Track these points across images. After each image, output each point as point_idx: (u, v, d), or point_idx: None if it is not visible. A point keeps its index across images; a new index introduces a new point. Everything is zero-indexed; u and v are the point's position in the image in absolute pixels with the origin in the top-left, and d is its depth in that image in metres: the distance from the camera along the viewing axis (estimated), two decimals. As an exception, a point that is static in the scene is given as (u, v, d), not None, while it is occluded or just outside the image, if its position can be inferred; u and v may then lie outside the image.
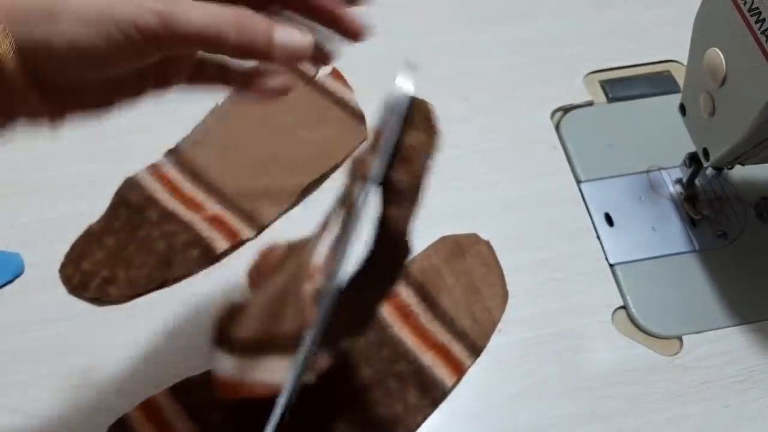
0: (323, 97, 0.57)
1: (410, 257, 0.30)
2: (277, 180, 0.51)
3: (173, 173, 0.52)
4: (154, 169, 0.52)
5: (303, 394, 0.42)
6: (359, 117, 0.55)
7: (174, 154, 0.53)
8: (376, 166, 0.27)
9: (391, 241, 0.29)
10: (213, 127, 0.54)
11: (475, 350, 0.45)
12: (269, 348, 0.40)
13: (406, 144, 0.28)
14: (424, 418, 0.42)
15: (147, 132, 0.54)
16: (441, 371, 0.44)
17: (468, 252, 0.48)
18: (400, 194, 0.28)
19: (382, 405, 0.42)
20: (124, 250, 0.48)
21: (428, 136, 0.28)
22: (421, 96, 0.60)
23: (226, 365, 0.39)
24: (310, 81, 0.58)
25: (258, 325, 0.37)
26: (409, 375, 0.43)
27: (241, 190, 0.51)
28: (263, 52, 0.27)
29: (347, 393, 0.43)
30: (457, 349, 0.44)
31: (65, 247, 0.48)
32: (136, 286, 0.46)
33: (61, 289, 0.46)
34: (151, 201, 0.50)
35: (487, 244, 0.49)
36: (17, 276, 0.47)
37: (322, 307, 0.26)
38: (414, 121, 0.28)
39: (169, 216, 0.49)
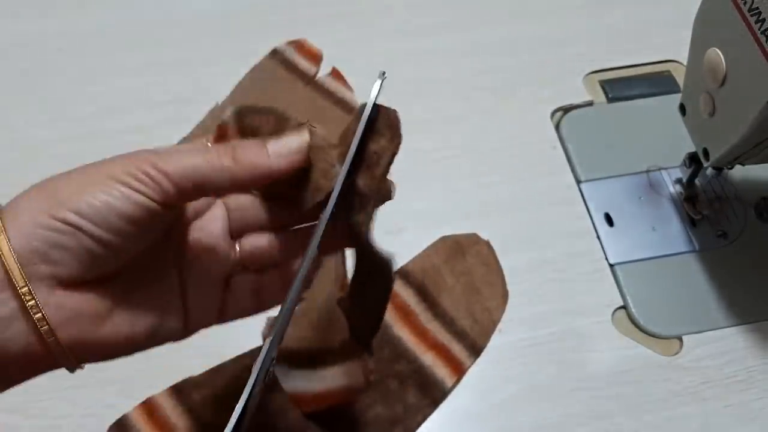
0: (323, 97, 0.57)
1: (394, 259, 0.30)
2: None
3: None
4: None
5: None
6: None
7: None
8: (341, 172, 0.28)
9: (367, 249, 0.29)
10: (212, 127, 0.54)
11: (475, 350, 0.45)
12: (329, 356, 0.40)
13: (371, 150, 0.29)
14: (424, 418, 0.42)
15: (146, 132, 0.54)
16: (441, 371, 0.44)
17: (468, 252, 0.48)
18: (365, 199, 0.29)
19: (382, 405, 0.42)
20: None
21: (390, 142, 0.29)
22: (421, 95, 0.61)
23: (297, 381, 0.38)
24: (311, 81, 0.58)
25: (309, 335, 0.38)
26: (409, 375, 0.43)
27: None
28: (261, 163, 0.27)
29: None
30: (457, 349, 0.44)
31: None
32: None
33: (61, 289, 0.46)
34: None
35: (487, 244, 0.49)
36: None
37: (282, 309, 0.26)
38: (379, 128, 0.28)
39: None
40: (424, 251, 0.48)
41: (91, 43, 0.60)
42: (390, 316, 0.45)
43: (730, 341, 0.45)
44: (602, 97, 0.58)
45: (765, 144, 0.39)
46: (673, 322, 0.46)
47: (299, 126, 0.29)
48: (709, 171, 0.49)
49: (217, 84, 0.57)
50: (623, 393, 0.43)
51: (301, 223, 0.32)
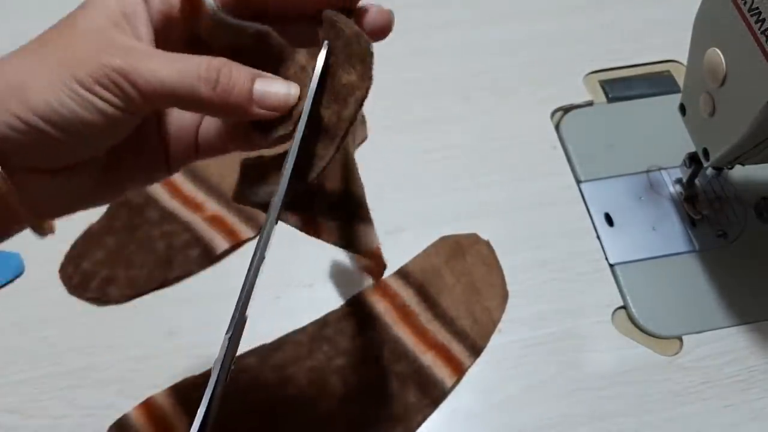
0: None
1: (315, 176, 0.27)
2: None
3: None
4: None
5: (303, 392, 0.43)
6: (360, 117, 0.55)
7: None
8: (307, 99, 0.26)
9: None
10: None
11: (475, 350, 0.45)
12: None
13: (341, 82, 0.26)
14: (424, 418, 0.42)
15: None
16: (441, 371, 0.44)
17: (468, 252, 0.48)
18: (327, 135, 0.26)
19: (383, 405, 0.42)
20: (124, 250, 0.48)
21: (361, 80, 0.26)
22: (421, 95, 0.61)
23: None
24: None
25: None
26: (409, 375, 0.43)
27: None
28: (241, 105, 0.25)
29: (347, 392, 0.43)
30: (457, 349, 0.44)
31: (65, 247, 0.48)
32: (136, 286, 0.46)
33: (61, 289, 0.46)
34: (151, 201, 0.50)
35: (487, 244, 0.49)
36: (17, 276, 0.47)
37: (240, 295, 0.25)
38: (352, 58, 0.26)
39: (169, 216, 0.49)
40: (424, 251, 0.48)
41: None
42: (390, 317, 0.46)
43: (731, 341, 0.45)
44: (602, 97, 0.58)
45: (765, 144, 0.39)
46: (673, 322, 0.46)
47: (294, 56, 0.26)
48: (709, 171, 0.49)
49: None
50: (623, 393, 0.43)
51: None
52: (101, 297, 0.46)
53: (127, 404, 0.42)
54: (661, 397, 0.43)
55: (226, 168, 0.52)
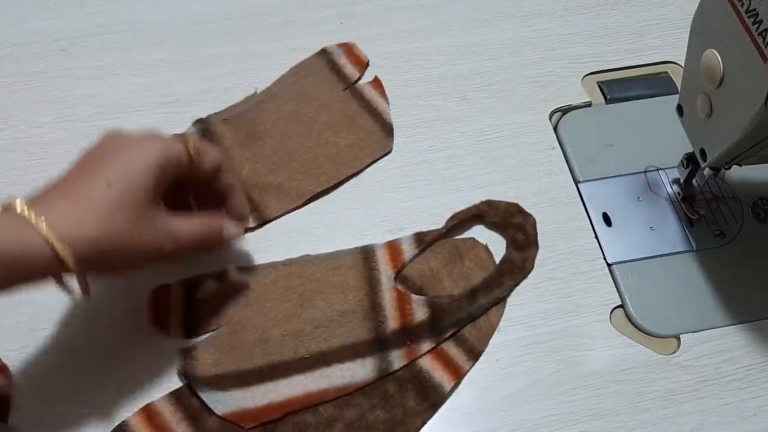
0: (359, 103, 0.56)
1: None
2: (292, 180, 0.51)
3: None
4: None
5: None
6: (388, 129, 0.55)
7: (202, 123, 0.53)
8: None
9: None
10: (246, 111, 0.54)
11: (474, 354, 0.44)
12: (257, 376, 0.42)
13: None
14: (423, 422, 0.42)
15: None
16: (440, 375, 0.43)
17: (466, 256, 0.48)
18: None
19: (381, 408, 0.42)
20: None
21: None
22: (420, 96, 0.61)
23: (228, 402, 0.41)
24: (350, 85, 0.57)
25: (231, 359, 0.42)
26: (408, 379, 0.43)
27: (255, 180, 0.51)
28: (220, 241, 0.42)
29: (346, 396, 0.43)
30: (456, 353, 0.44)
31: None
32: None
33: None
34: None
35: (485, 247, 0.49)
36: (18, 276, 0.47)
37: None
38: None
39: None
40: (423, 255, 0.48)
41: (93, 44, 0.60)
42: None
43: (728, 340, 0.46)
44: (600, 98, 0.58)
45: (762, 145, 0.39)
46: (670, 321, 0.46)
47: None
48: (707, 171, 0.50)
49: (217, 84, 0.57)
50: (621, 391, 0.43)
51: None
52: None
53: (127, 410, 0.42)
54: (658, 395, 0.43)
55: (246, 155, 0.52)
